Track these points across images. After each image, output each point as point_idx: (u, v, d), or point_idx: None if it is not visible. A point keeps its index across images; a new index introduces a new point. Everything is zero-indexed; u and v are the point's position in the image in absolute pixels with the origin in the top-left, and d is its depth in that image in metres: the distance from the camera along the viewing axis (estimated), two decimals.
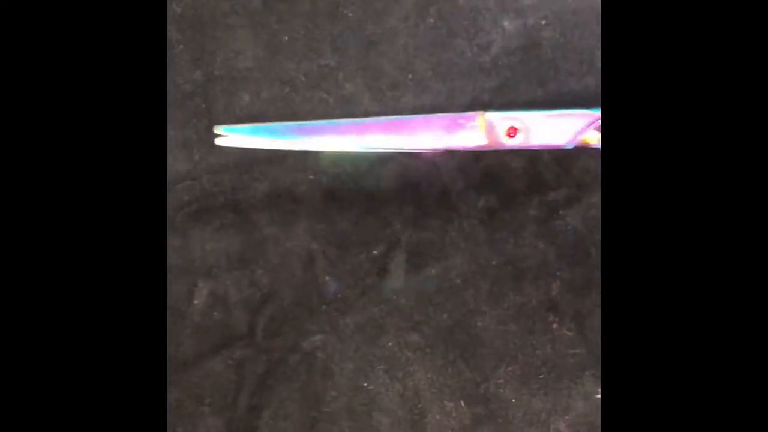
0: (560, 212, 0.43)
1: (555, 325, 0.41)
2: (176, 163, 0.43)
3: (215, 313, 0.42)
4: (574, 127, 0.34)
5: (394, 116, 0.35)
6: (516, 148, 0.34)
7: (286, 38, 0.43)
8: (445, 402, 0.39)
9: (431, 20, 0.43)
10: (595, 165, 0.40)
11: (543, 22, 0.44)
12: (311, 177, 0.43)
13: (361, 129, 0.35)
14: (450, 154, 0.38)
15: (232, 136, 0.37)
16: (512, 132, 0.34)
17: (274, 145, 0.37)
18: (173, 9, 0.42)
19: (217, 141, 0.37)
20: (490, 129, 0.34)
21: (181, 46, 0.43)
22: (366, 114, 0.43)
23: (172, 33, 0.43)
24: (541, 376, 0.40)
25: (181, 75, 0.43)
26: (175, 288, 0.42)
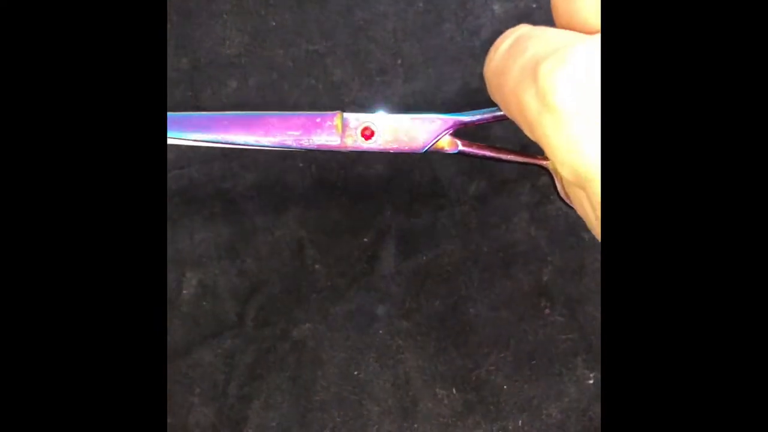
0: (551, 197, 0.43)
1: (547, 311, 0.41)
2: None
3: (204, 303, 0.42)
4: (429, 132, 0.33)
5: (250, 112, 0.34)
6: (372, 150, 0.33)
7: (274, 23, 0.43)
8: (437, 389, 0.39)
9: (420, 4, 0.43)
10: None
11: (533, 6, 0.43)
12: (300, 165, 0.43)
13: (213, 123, 0.34)
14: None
15: None
16: (368, 133, 0.33)
17: None
18: None
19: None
20: (346, 129, 0.33)
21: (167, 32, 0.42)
22: (355, 100, 0.43)
23: None
24: (533, 362, 0.40)
25: (168, 62, 0.42)
26: None
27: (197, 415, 0.38)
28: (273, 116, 0.33)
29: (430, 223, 0.42)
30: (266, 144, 0.33)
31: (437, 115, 0.33)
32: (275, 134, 0.33)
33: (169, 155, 0.42)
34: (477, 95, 0.44)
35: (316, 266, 0.42)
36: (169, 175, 0.43)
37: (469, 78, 0.44)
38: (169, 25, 0.42)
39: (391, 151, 0.33)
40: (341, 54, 0.43)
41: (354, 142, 0.33)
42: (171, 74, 0.42)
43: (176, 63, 0.42)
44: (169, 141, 0.33)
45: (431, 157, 0.42)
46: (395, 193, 0.43)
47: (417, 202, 0.43)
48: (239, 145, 0.33)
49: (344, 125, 0.33)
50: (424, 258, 0.42)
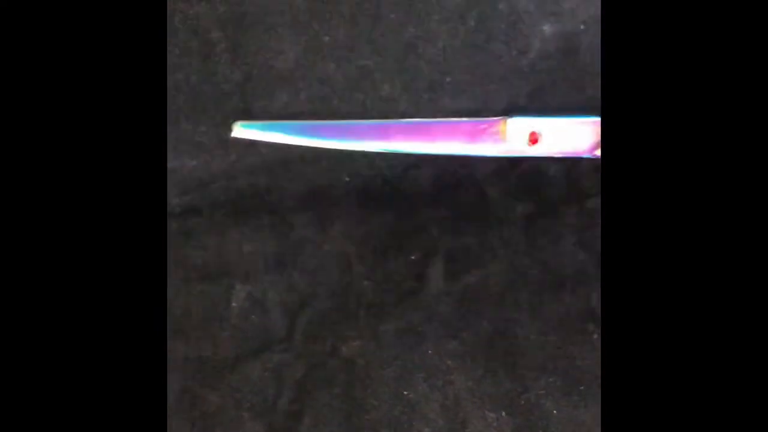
0: (599, 220, 0.43)
1: (595, 336, 0.41)
2: (213, 163, 0.42)
3: (253, 316, 0.42)
4: (595, 135, 0.33)
5: (416, 120, 0.34)
6: (538, 155, 0.33)
7: (327, 39, 0.43)
8: (486, 412, 0.39)
9: (471, 23, 0.43)
10: None
11: (582, 27, 0.43)
12: (347, 179, 0.43)
13: (383, 131, 0.34)
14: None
15: (250, 132, 0.36)
16: (534, 138, 0.33)
17: (294, 142, 0.37)
18: (216, 7, 0.42)
19: (233, 134, 0.36)
20: (512, 135, 0.33)
21: (222, 45, 0.42)
22: (402, 116, 0.43)
23: (213, 32, 0.42)
24: (582, 387, 0.40)
25: (221, 74, 0.42)
26: (212, 289, 0.42)
27: (248, 430, 0.38)
28: (439, 123, 0.33)
29: (477, 242, 0.42)
30: (431, 151, 0.33)
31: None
32: (442, 141, 0.33)
33: (217, 166, 0.42)
34: (522, 114, 0.44)
35: (365, 282, 0.42)
36: (215, 186, 0.43)
37: (515, 97, 0.43)
38: (224, 38, 0.42)
39: (557, 156, 0.33)
40: (390, 70, 0.43)
41: (520, 147, 0.33)
42: (223, 86, 0.42)
43: (229, 75, 0.42)
44: (345, 146, 0.33)
45: (477, 174, 0.42)
46: (441, 211, 0.43)
47: (463, 220, 0.43)
48: (406, 151, 0.33)
49: (510, 131, 0.33)
50: (472, 278, 0.42)
